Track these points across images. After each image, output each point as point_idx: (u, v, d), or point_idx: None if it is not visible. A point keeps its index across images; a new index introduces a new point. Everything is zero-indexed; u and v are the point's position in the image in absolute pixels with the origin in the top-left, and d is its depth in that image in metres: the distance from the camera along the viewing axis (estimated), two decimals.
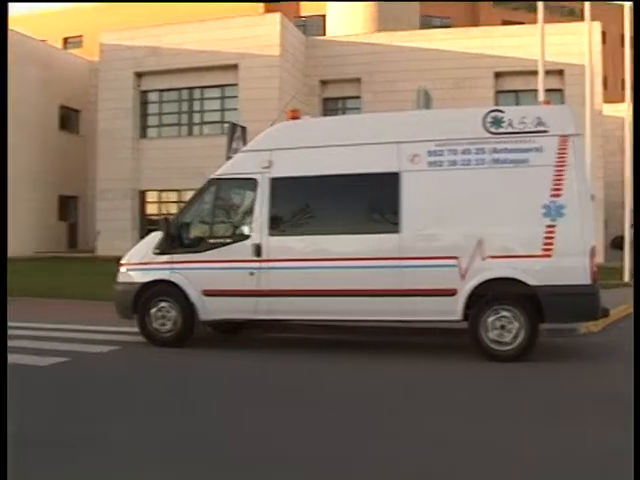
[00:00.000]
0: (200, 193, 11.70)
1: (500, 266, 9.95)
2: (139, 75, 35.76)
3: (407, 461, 5.65)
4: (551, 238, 9.76)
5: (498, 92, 34.12)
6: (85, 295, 17.42)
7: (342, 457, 5.78)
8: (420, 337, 12.01)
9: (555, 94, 28.41)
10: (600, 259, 20.11)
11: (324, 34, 44.79)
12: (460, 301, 10.04)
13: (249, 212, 11.28)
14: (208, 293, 11.01)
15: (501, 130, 10.21)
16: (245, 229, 11.21)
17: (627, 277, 21.65)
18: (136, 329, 11.45)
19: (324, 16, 48.35)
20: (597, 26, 29.79)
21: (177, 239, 11.34)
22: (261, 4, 47.33)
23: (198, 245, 11.29)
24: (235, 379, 9.09)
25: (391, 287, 10.25)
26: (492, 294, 9.97)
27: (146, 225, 32.99)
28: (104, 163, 35.52)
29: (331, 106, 36.16)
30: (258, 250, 10.78)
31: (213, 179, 11.53)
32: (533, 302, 9.79)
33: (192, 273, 11.11)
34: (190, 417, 7.06)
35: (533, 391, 8.28)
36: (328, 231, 10.74)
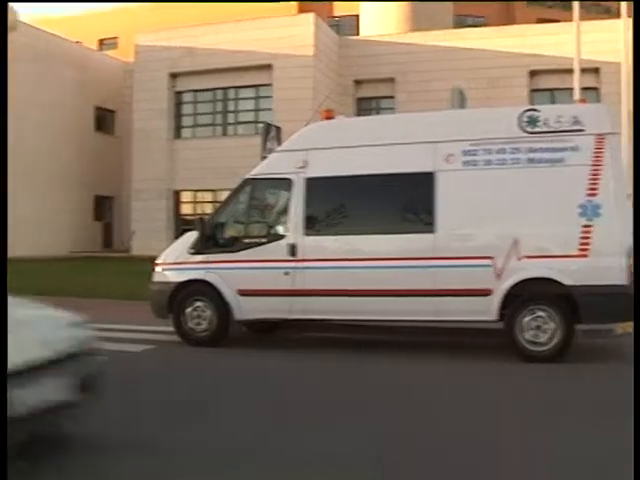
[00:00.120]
0: (235, 193, 11.75)
1: (536, 266, 9.89)
2: (174, 76, 35.95)
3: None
4: (587, 238, 9.68)
5: (533, 91, 33.90)
6: (120, 294, 17.51)
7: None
8: (456, 337, 11.96)
9: (591, 92, 28.22)
10: None
11: (357, 34, 44.73)
12: (495, 301, 9.99)
13: (284, 212, 11.31)
14: (243, 293, 11.05)
15: (537, 129, 10.14)
16: (280, 229, 11.24)
17: None
18: (171, 328, 11.51)
19: (357, 16, 48.30)
20: None
21: (212, 239, 11.40)
22: (295, 4, 47.40)
23: (233, 245, 11.34)
24: (272, 379, 9.08)
25: (426, 287, 10.22)
26: (528, 294, 9.91)
27: (180, 225, 33.14)
28: (139, 163, 35.74)
29: (365, 106, 36.11)
30: (293, 250, 10.80)
31: (248, 179, 11.58)
32: (569, 302, 9.72)
33: (227, 273, 11.16)
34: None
35: (575, 392, 8.24)
36: (363, 231, 10.74)
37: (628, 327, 12.24)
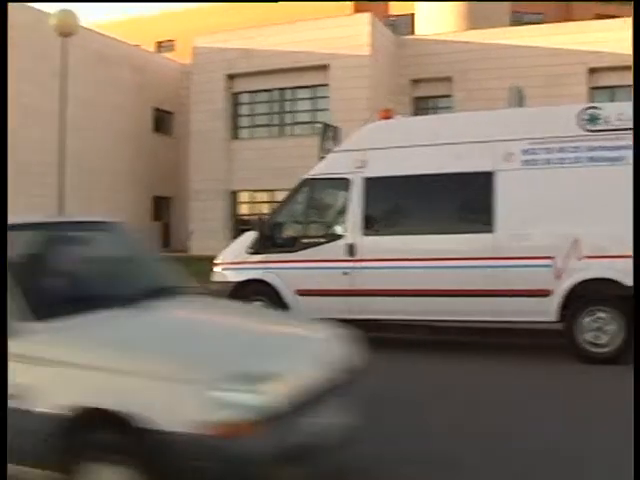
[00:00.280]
0: (293, 193, 11.83)
1: (596, 266, 9.77)
2: (231, 77, 36.16)
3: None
4: None
5: (592, 88, 33.38)
6: None
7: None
8: (506, 338, 11.86)
9: None
10: None
11: (412, 33, 44.55)
12: (555, 302, 9.91)
13: (342, 212, 11.35)
14: (301, 293, 11.11)
15: (597, 127, 10.03)
16: (338, 229, 11.29)
17: None
18: None
19: (412, 15, 48.11)
20: None
21: (271, 239, 11.49)
22: (350, 4, 47.40)
23: (291, 245, 11.41)
24: None
25: (484, 287, 10.18)
26: (588, 295, 9.82)
27: (238, 225, 33.31)
28: (197, 164, 36.04)
29: (422, 105, 35.94)
30: (351, 250, 10.83)
31: (306, 179, 11.64)
32: (630, 303, 9.60)
33: (285, 273, 11.23)
34: None
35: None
36: (421, 231, 10.73)
37: None
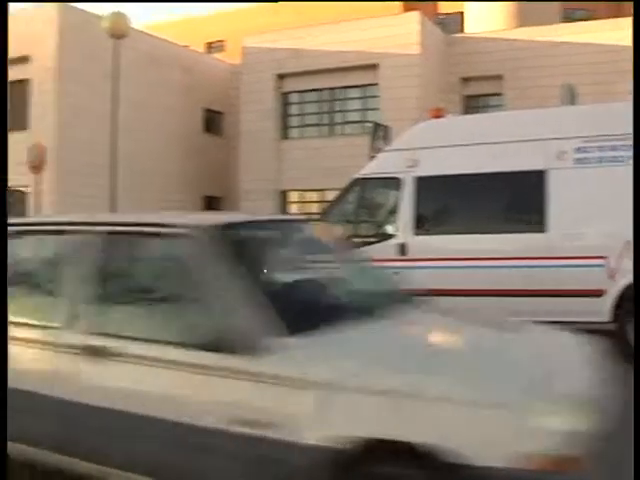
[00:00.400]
0: (344, 193, 11.86)
1: None
2: (281, 77, 36.29)
3: None
4: None
5: None
6: None
7: None
8: None
9: None
10: None
11: (462, 31, 44.33)
12: (608, 302, 9.82)
13: (393, 211, 11.36)
14: None
15: None
16: (389, 228, 11.29)
17: None
18: None
19: (462, 13, 47.89)
20: None
21: None
22: (399, 4, 47.30)
23: None
24: None
25: (536, 287, 10.12)
26: None
27: None
28: (247, 164, 36.21)
29: (472, 104, 35.70)
30: (402, 249, 10.84)
31: (357, 179, 11.67)
32: None
33: None
34: None
35: None
36: (472, 230, 10.70)
37: None
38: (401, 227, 10.98)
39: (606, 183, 10.01)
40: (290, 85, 36.41)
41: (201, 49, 48.99)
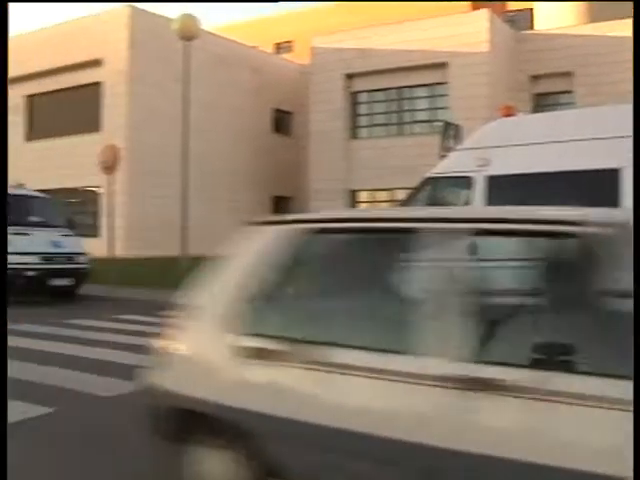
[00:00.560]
0: (415, 192, 11.85)
1: None
2: (349, 77, 36.41)
3: None
4: None
5: None
6: None
7: None
8: None
9: None
10: None
11: (531, 28, 43.86)
12: None
13: None
14: None
15: None
16: None
17: None
18: None
19: (531, 10, 47.38)
20: None
21: None
22: (467, 3, 47.02)
23: None
24: None
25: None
26: None
27: None
28: (316, 164, 36.41)
29: (542, 102, 35.34)
30: (474, 249, 10.82)
31: (428, 178, 11.66)
32: None
33: None
34: None
35: None
36: None
37: None
38: None
39: None
40: (358, 85, 36.54)
41: (270, 50, 49.35)
